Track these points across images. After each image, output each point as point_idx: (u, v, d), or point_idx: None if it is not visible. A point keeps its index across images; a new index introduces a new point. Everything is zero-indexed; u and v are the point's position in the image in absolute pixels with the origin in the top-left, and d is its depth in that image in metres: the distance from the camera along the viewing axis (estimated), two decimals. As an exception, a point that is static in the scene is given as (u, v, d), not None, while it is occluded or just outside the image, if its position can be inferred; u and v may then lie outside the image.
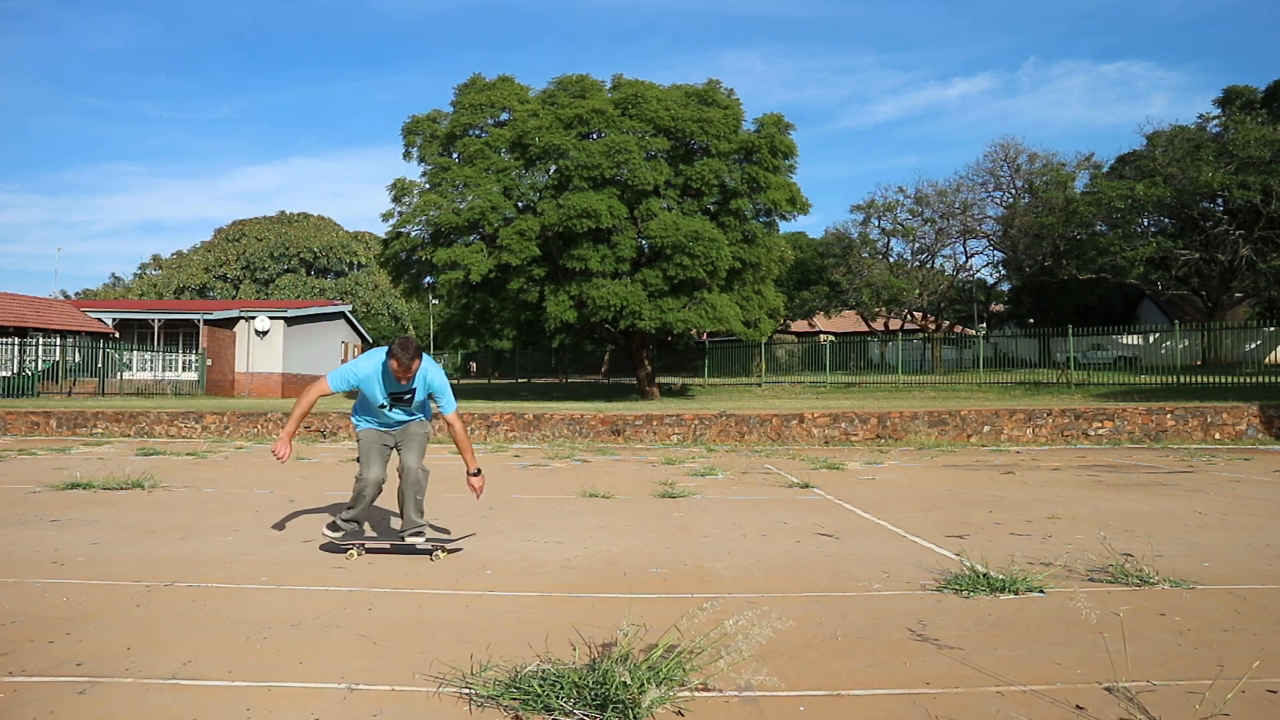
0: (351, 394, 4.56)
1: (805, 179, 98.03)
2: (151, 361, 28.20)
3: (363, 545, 4.51)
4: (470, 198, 20.46)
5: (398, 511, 4.62)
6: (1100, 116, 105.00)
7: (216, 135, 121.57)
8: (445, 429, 4.74)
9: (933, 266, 36.83)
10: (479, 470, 4.50)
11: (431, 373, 4.45)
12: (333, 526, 4.48)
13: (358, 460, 4.54)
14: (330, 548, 4.51)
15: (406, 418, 4.58)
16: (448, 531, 5.01)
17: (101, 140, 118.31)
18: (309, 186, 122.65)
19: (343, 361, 37.28)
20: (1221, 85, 29.40)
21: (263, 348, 30.15)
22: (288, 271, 56.69)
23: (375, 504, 4.80)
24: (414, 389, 4.44)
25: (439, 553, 4.37)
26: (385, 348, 4.42)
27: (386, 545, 4.56)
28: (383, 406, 4.47)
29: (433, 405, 4.67)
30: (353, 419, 4.72)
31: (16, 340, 23.71)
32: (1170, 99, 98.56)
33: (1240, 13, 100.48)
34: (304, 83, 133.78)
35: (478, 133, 22.04)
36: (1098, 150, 59.90)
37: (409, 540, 4.44)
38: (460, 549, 4.57)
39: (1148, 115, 64.31)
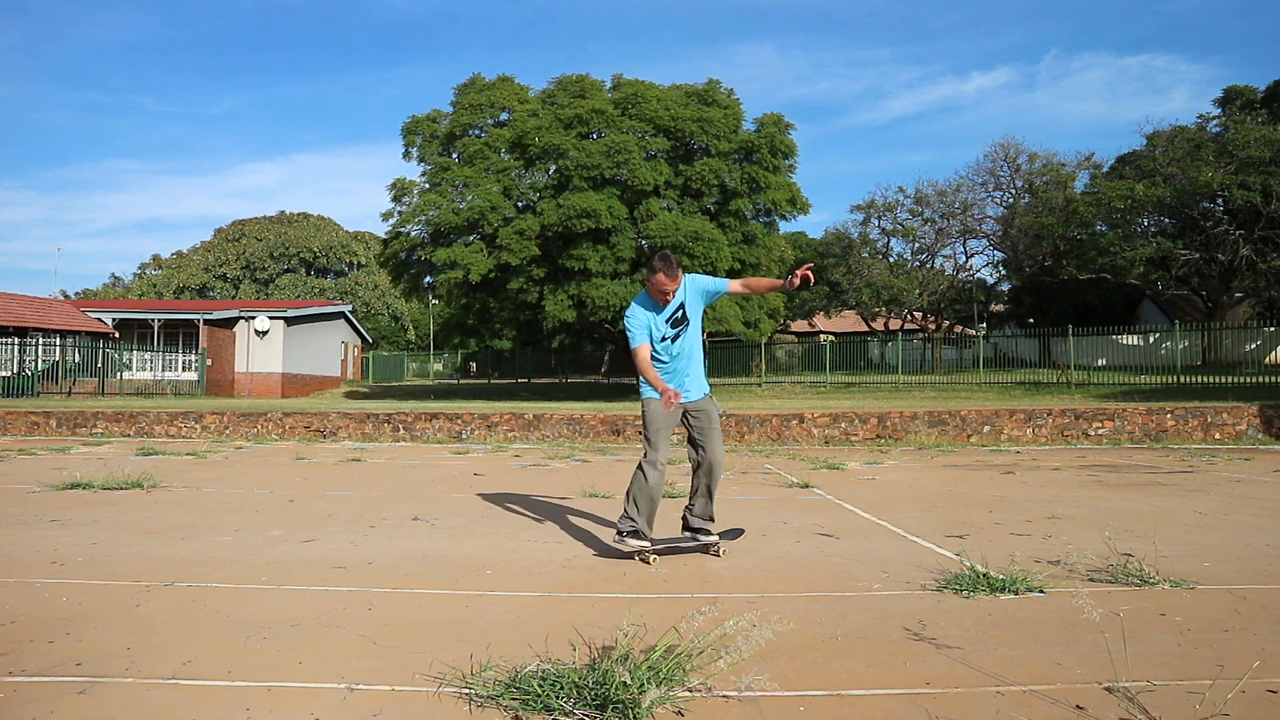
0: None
1: (817, 175, 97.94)
2: (151, 361, 28.20)
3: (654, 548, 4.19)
4: (470, 197, 20.48)
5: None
6: (1120, 112, 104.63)
7: (218, 131, 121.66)
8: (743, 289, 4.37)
9: (933, 266, 36.87)
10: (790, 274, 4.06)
11: (693, 280, 4.17)
12: (634, 534, 4.15)
13: (645, 439, 4.23)
14: (624, 555, 4.29)
15: (689, 362, 4.26)
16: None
17: (101, 136, 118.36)
18: (310, 184, 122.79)
19: (342, 362, 37.30)
20: (1242, 81, 29.49)
21: (263, 348, 30.16)
22: (288, 271, 56.70)
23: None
24: (683, 305, 4.17)
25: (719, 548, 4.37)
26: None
27: (680, 545, 4.37)
28: (665, 340, 4.20)
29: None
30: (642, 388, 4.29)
31: (16, 340, 23.72)
32: (1193, 93, 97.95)
33: (1262, 6, 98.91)
34: (306, 77, 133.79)
35: (477, 133, 22.05)
36: (1098, 150, 59.94)
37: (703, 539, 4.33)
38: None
39: (1148, 115, 64.31)
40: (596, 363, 38.60)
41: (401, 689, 2.45)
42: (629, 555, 4.28)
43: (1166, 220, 28.10)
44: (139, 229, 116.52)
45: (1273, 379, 18.30)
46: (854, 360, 27.77)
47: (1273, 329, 24.15)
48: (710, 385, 4.45)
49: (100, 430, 13.92)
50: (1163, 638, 2.92)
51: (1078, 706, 2.31)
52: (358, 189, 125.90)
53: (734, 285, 4.32)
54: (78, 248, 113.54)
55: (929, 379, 24.30)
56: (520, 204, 21.44)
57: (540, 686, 2.33)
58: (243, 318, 30.20)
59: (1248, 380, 18.37)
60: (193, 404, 17.41)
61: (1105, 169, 32.70)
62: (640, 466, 4.21)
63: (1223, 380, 18.43)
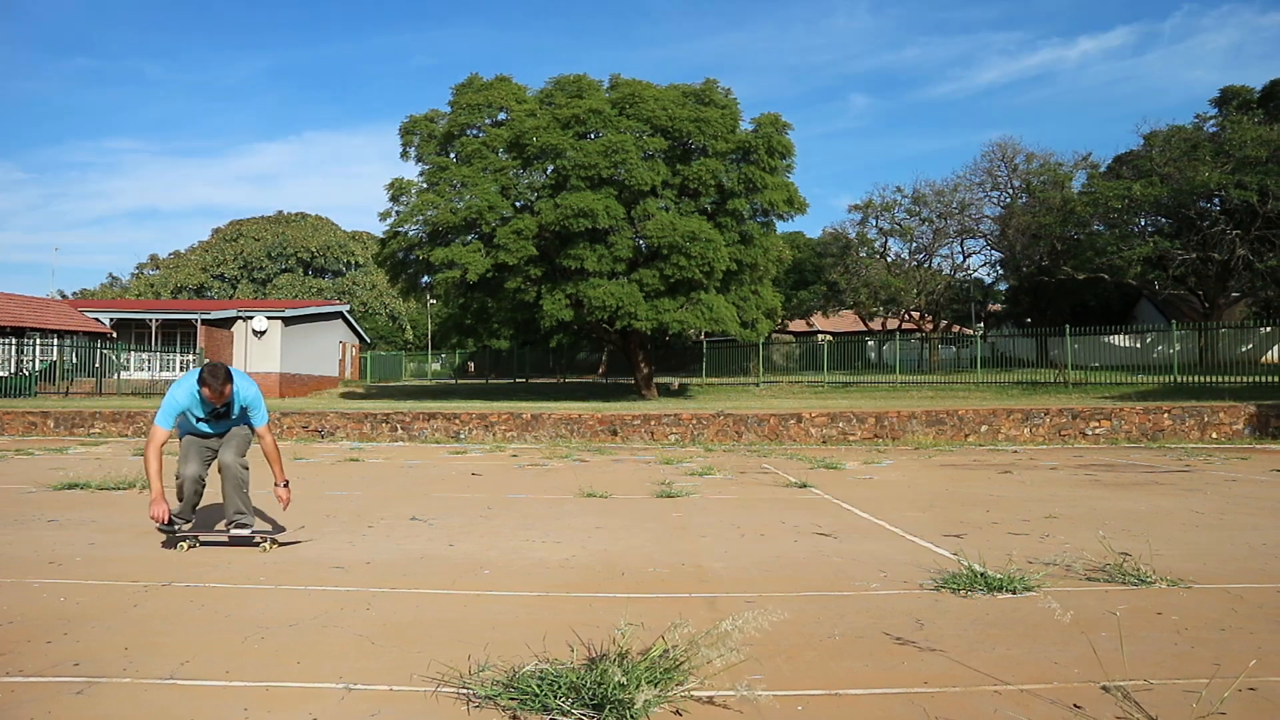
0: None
1: (817, 175, 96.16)
2: (149, 361, 28.15)
3: (196, 539, 4.59)
4: (467, 197, 20.45)
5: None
6: (1120, 106, 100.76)
7: (224, 106, 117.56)
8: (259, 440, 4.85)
9: (930, 266, 36.88)
10: (286, 483, 4.74)
11: (244, 390, 4.62)
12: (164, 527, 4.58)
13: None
14: (169, 544, 4.60)
15: (226, 428, 4.74)
16: (281, 529, 5.07)
17: (97, 109, 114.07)
18: (317, 168, 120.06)
19: (340, 362, 37.29)
20: (1240, 81, 29.39)
21: (260, 348, 30.10)
22: (285, 271, 56.64)
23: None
24: (230, 404, 4.60)
25: (268, 544, 4.53)
26: (195, 372, 4.54)
27: (223, 538, 4.66)
28: (202, 420, 4.64)
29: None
30: (180, 431, 4.79)
31: (14, 340, 23.66)
32: (1192, 93, 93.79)
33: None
34: (317, 46, 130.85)
35: (475, 132, 22.03)
36: (1095, 150, 59.92)
37: (233, 532, 4.61)
38: (297, 542, 4.71)
39: (1145, 114, 64.30)
40: (594, 363, 38.58)
41: (399, 689, 2.46)
42: (172, 543, 4.53)
43: (1163, 220, 28.14)
44: (134, 218, 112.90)
45: (1269, 379, 18.33)
46: (851, 360, 27.78)
47: (1269, 329, 24.19)
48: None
49: (98, 430, 13.89)
50: (1159, 637, 2.93)
51: (1075, 705, 2.32)
52: (357, 188, 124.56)
53: (262, 430, 4.80)
54: (70, 238, 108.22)
55: (926, 379, 24.32)
56: (518, 204, 21.41)
57: (538, 686, 2.34)
58: (240, 318, 30.15)
59: (1244, 380, 18.40)
60: (190, 404, 17.36)
61: (1102, 169, 32.72)
62: None
63: (1219, 380, 18.46)
